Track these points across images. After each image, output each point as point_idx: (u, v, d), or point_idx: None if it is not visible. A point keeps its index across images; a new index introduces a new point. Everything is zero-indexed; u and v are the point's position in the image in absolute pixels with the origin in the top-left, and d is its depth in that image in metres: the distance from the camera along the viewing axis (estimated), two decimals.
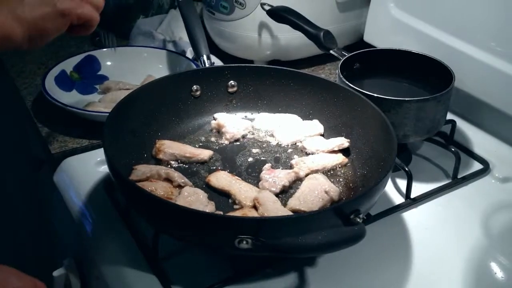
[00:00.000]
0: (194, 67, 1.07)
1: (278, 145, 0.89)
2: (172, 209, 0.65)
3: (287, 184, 0.79)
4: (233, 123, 0.90)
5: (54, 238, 0.98)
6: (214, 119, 0.92)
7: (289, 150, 0.88)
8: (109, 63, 1.15)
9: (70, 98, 1.05)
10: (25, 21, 0.65)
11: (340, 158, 0.84)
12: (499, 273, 0.75)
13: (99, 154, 0.89)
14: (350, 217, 0.64)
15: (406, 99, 0.85)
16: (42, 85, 1.01)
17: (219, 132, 0.90)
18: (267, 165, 0.82)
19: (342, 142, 0.85)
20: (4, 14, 0.64)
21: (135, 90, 0.87)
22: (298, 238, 0.58)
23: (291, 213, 0.73)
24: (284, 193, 0.79)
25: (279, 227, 0.62)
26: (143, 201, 0.68)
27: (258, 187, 0.79)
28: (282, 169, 0.83)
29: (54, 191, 0.90)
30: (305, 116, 0.92)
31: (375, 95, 0.85)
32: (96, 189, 0.86)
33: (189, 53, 1.15)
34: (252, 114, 0.94)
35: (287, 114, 0.93)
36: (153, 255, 0.72)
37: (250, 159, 0.86)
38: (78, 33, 0.74)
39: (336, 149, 0.85)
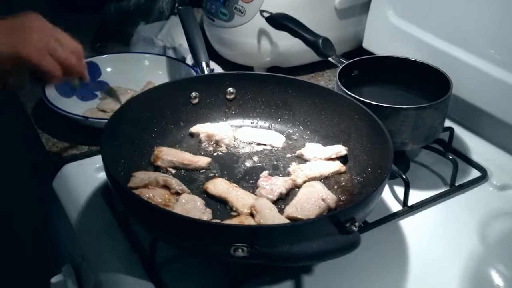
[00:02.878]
0: (194, 73, 1.08)
1: (276, 152, 0.89)
2: (168, 217, 0.65)
3: (284, 191, 0.79)
4: (221, 130, 0.90)
5: (52, 245, 0.98)
6: (191, 133, 0.91)
7: (287, 157, 0.88)
8: (109, 69, 1.16)
9: (70, 104, 1.05)
10: None
11: (337, 166, 0.84)
12: (496, 281, 0.75)
13: (98, 160, 0.89)
14: (346, 225, 0.64)
15: (404, 106, 0.85)
16: (42, 91, 1.01)
17: (210, 141, 0.90)
18: (265, 173, 0.83)
19: (340, 150, 0.86)
20: None
21: (134, 97, 0.88)
22: (293, 247, 0.58)
23: (287, 221, 0.73)
24: (281, 201, 0.79)
25: (274, 235, 0.62)
26: (140, 209, 0.68)
27: (255, 194, 0.79)
28: (280, 176, 0.83)
29: (53, 197, 0.91)
30: (303, 123, 0.93)
31: (373, 102, 0.85)
32: (95, 195, 0.86)
33: (189, 60, 1.16)
34: (250, 121, 0.95)
35: (271, 132, 0.93)
36: (150, 262, 0.72)
37: (248, 167, 0.86)
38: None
39: (333, 156, 0.86)
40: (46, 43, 0.73)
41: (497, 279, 0.75)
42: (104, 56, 1.16)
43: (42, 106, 1.04)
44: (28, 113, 1.06)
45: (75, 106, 1.05)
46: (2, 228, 1.01)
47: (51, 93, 1.03)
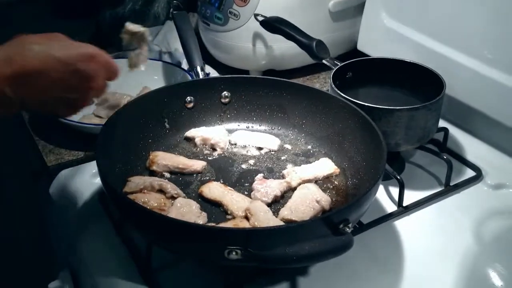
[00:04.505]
0: (190, 78, 1.08)
1: (271, 155, 0.89)
2: (163, 221, 0.66)
3: (279, 194, 0.79)
4: (217, 134, 0.90)
5: (50, 250, 0.99)
6: (187, 138, 0.91)
7: (282, 159, 0.89)
8: None
9: None
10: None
11: (332, 168, 0.85)
12: (493, 280, 0.75)
13: (95, 166, 0.89)
14: (339, 226, 0.64)
15: (397, 108, 0.85)
16: None
17: (205, 145, 0.90)
18: (259, 175, 0.83)
19: (333, 171, 0.85)
20: None
21: (129, 102, 0.88)
22: (286, 249, 0.59)
23: (282, 223, 0.73)
24: (276, 203, 0.79)
25: (267, 238, 0.62)
26: (135, 214, 0.69)
27: (250, 197, 0.79)
28: (274, 179, 0.83)
29: (50, 203, 0.91)
30: (298, 126, 0.93)
31: (366, 104, 0.85)
32: (91, 200, 0.86)
33: (185, 64, 1.16)
34: (245, 124, 0.95)
35: (266, 135, 0.93)
36: (146, 266, 0.73)
37: (243, 170, 0.86)
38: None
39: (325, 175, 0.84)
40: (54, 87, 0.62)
41: (493, 278, 0.75)
42: None
43: (38, 113, 1.04)
44: (24, 120, 1.07)
45: None
46: (0, 235, 1.01)
47: None
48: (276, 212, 0.76)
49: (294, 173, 0.83)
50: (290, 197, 0.79)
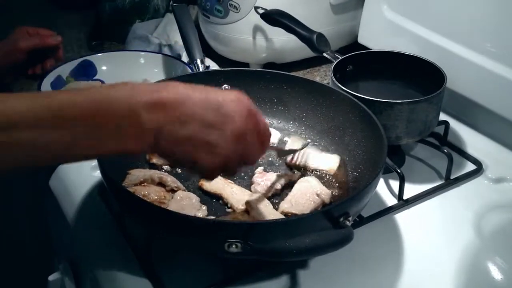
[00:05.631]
0: (190, 71, 1.08)
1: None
2: (163, 214, 0.66)
3: (279, 187, 0.79)
4: None
5: (50, 243, 0.99)
6: None
7: None
8: (104, 67, 1.16)
9: None
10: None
11: (332, 162, 0.84)
12: (493, 273, 0.75)
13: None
14: (339, 220, 0.64)
15: (398, 101, 0.85)
16: (38, 90, 1.02)
17: None
18: (260, 168, 0.83)
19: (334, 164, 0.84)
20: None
21: None
22: (286, 242, 0.59)
23: (282, 216, 0.73)
24: (276, 196, 0.79)
25: (268, 231, 0.62)
26: (134, 207, 0.69)
27: (250, 190, 0.79)
28: (274, 172, 0.83)
29: (50, 196, 0.91)
30: (298, 119, 0.93)
31: (367, 97, 0.85)
32: (91, 193, 0.86)
33: (185, 57, 1.16)
34: None
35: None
36: (147, 259, 0.73)
37: None
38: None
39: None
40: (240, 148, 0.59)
41: (493, 271, 0.75)
42: (100, 54, 1.16)
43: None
44: None
45: None
46: (1, 228, 1.01)
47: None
48: (276, 205, 0.76)
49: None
50: (290, 190, 0.79)
